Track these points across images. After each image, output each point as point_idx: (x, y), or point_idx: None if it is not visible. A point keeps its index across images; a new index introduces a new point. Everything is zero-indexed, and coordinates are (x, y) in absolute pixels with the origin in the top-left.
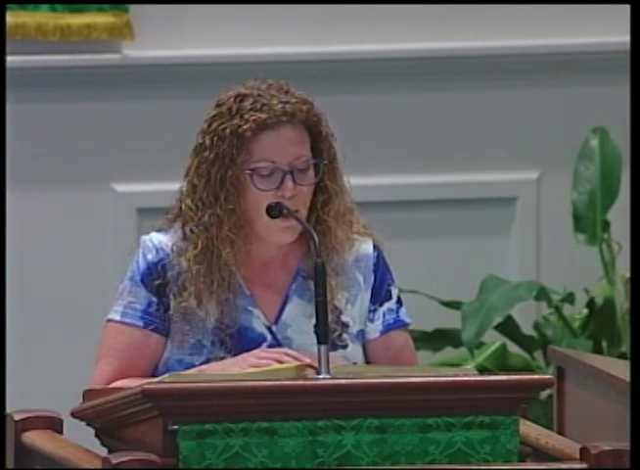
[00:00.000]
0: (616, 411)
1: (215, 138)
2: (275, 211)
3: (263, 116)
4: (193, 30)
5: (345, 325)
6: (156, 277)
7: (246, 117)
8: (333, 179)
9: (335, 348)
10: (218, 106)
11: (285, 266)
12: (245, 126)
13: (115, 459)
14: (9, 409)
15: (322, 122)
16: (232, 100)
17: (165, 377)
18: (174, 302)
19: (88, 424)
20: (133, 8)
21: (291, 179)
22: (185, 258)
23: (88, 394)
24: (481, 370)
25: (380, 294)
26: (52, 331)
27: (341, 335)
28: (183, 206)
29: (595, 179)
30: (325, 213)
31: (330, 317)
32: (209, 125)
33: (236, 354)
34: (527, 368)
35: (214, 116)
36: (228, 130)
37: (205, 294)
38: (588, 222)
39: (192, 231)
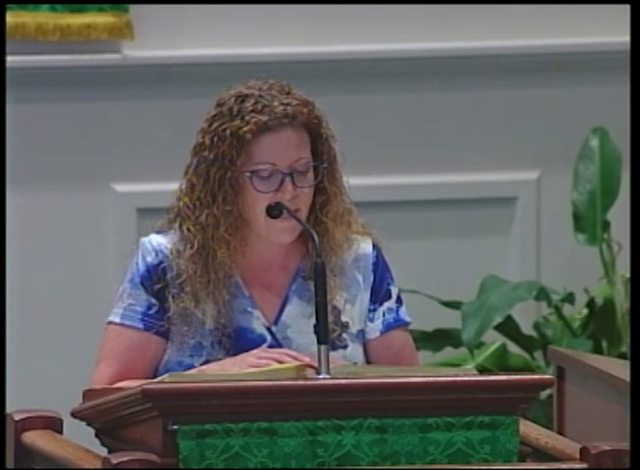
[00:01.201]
0: (616, 411)
1: (215, 138)
2: (275, 210)
3: (264, 117)
4: (193, 30)
5: (345, 325)
6: (155, 280)
7: (246, 118)
8: (332, 181)
9: (335, 348)
10: (219, 105)
11: (284, 267)
12: (245, 128)
13: (115, 459)
14: (9, 409)
15: (322, 124)
16: (233, 100)
17: (165, 377)
18: (173, 303)
19: (88, 424)
20: (133, 8)
21: (290, 182)
22: (182, 258)
23: (88, 394)
24: (481, 370)
25: (379, 293)
26: (52, 331)
27: (340, 335)
28: (181, 204)
29: (595, 179)
30: (323, 215)
31: (329, 318)
32: (210, 125)
33: (236, 355)
34: (527, 368)
35: (215, 115)
36: (228, 131)
37: (202, 294)
38: (588, 222)
39: (189, 230)
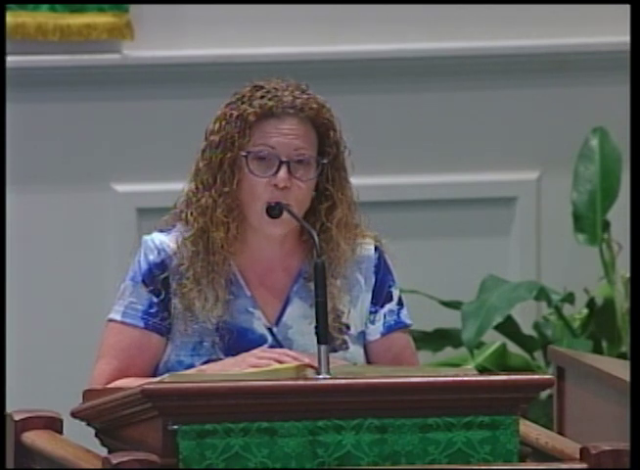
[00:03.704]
0: (616, 411)
1: (223, 122)
2: (275, 211)
3: (271, 103)
4: (193, 30)
5: (347, 327)
6: (158, 275)
7: (254, 103)
8: (339, 188)
9: (336, 349)
10: (235, 94)
11: (286, 268)
12: (250, 110)
13: (115, 459)
14: (9, 409)
15: (333, 127)
16: (248, 89)
17: (165, 377)
18: (177, 292)
19: (88, 424)
20: (133, 8)
21: (286, 169)
22: (184, 243)
23: (88, 394)
24: (481, 370)
25: (381, 295)
26: (52, 331)
27: (342, 337)
28: (187, 189)
29: (595, 179)
30: (329, 221)
31: (331, 322)
32: (222, 111)
33: (236, 355)
34: (527, 368)
35: (228, 103)
36: (235, 114)
37: (204, 281)
38: (588, 222)
39: (191, 214)
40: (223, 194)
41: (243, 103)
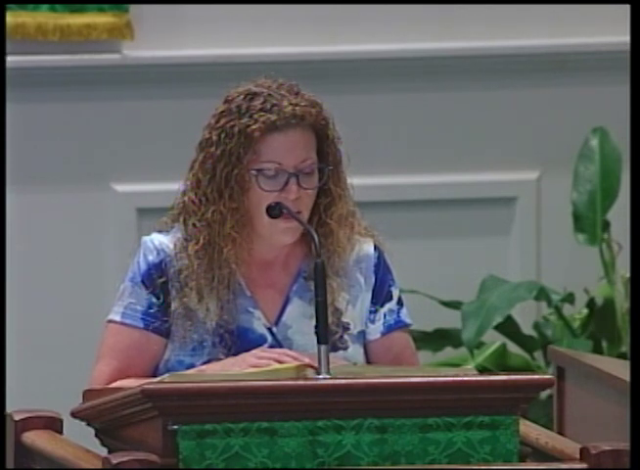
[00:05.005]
0: (616, 411)
1: (223, 135)
2: (275, 211)
3: (273, 117)
4: (193, 30)
5: (346, 326)
6: (157, 277)
7: (255, 116)
8: (337, 183)
9: (336, 349)
10: (227, 102)
11: (286, 267)
12: (254, 127)
13: (115, 459)
14: (9, 409)
15: (329, 126)
16: (242, 98)
17: (165, 377)
18: (176, 297)
19: (88, 424)
20: (133, 8)
21: (295, 182)
22: (186, 254)
23: (88, 394)
24: (481, 370)
25: (381, 295)
26: (52, 331)
27: (342, 336)
28: (186, 199)
29: (595, 179)
30: (328, 216)
31: (331, 319)
32: (217, 121)
33: (236, 355)
34: (527, 368)
35: (223, 112)
36: (237, 129)
37: (206, 290)
38: (588, 222)
39: (194, 225)
40: (232, 210)
41: (241, 115)
